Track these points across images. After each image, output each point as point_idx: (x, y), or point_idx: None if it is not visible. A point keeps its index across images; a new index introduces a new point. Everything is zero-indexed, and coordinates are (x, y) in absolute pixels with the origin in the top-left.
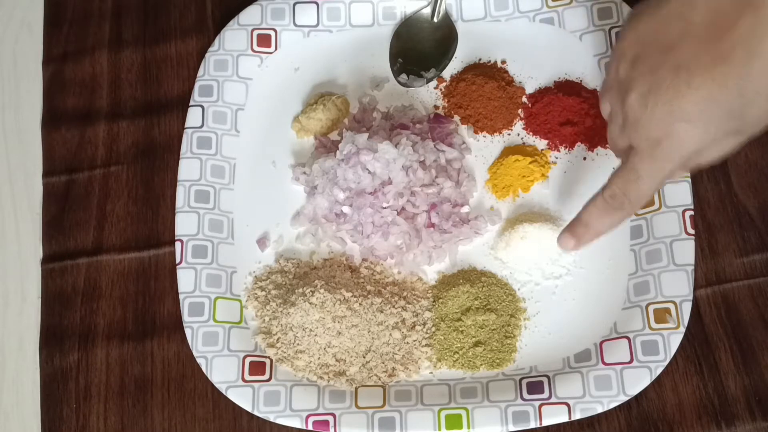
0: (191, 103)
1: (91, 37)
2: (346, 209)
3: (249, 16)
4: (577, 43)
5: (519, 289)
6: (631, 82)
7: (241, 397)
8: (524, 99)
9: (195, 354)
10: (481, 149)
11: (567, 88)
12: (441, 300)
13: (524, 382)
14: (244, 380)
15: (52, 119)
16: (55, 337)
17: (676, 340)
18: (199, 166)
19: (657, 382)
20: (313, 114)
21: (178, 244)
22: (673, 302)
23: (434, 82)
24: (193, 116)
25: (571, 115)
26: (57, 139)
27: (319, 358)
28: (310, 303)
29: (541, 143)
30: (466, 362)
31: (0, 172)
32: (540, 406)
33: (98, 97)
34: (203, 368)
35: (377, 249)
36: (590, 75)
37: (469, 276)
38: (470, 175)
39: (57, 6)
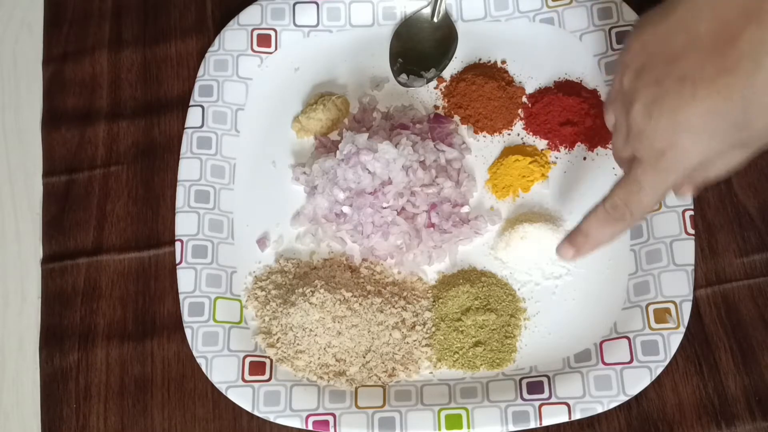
0: (191, 103)
1: (91, 37)
2: (346, 209)
3: (249, 16)
4: (577, 43)
5: (519, 289)
6: (636, 92)
7: (241, 397)
8: (524, 99)
9: (195, 354)
10: (481, 149)
11: (567, 88)
12: (441, 300)
13: (524, 382)
14: (244, 380)
15: (52, 119)
16: (55, 337)
17: (676, 340)
18: (199, 166)
19: (657, 382)
20: (313, 114)
21: (178, 244)
22: (673, 302)
23: (434, 82)
24: (193, 116)
25: (571, 115)
26: (57, 139)
27: (319, 358)
28: (310, 303)
29: (541, 143)
30: (466, 362)
31: (0, 172)
32: (540, 406)
33: (98, 97)
34: (203, 368)
35: (377, 249)
36: (590, 75)
37: (469, 276)
38: (470, 175)
39: (57, 6)
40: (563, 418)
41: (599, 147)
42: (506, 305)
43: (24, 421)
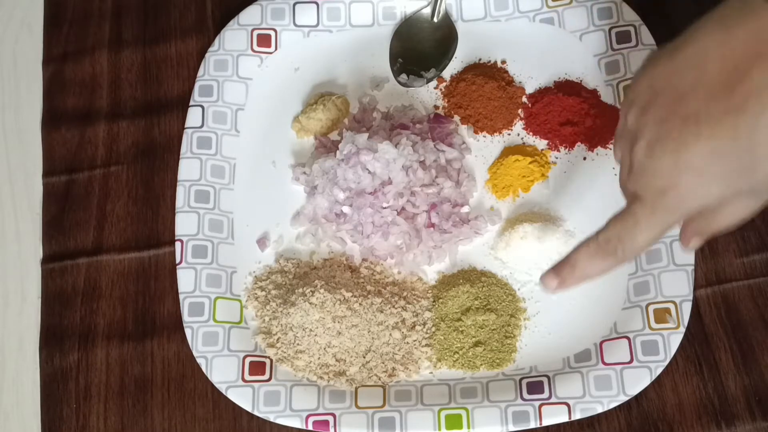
0: (191, 103)
1: (91, 37)
2: (346, 209)
3: (249, 16)
4: (577, 43)
5: (519, 289)
6: (640, 130)
7: (241, 397)
8: (524, 99)
9: (195, 354)
10: (481, 149)
11: (567, 88)
12: (441, 300)
13: (524, 382)
14: (244, 380)
15: (52, 119)
16: (55, 337)
17: (676, 340)
18: (199, 166)
19: (657, 382)
20: (313, 114)
21: (178, 244)
22: (673, 302)
23: (434, 82)
24: (193, 116)
25: (571, 115)
26: (57, 139)
27: (319, 358)
28: (310, 303)
29: (541, 143)
30: (466, 362)
31: (0, 172)
32: (540, 406)
33: (98, 97)
34: (203, 368)
35: (377, 249)
36: (590, 75)
37: (469, 276)
38: (470, 175)
39: (57, 6)
40: (563, 418)
41: (599, 147)
42: (506, 305)
43: (24, 421)
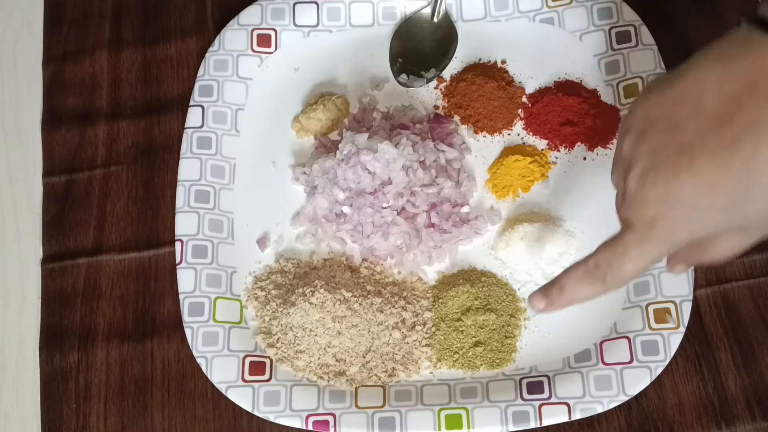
0: (191, 103)
1: (91, 37)
2: (346, 209)
3: (249, 16)
4: (577, 43)
5: (519, 289)
6: (634, 158)
7: (241, 397)
8: (524, 99)
9: (195, 354)
10: (481, 149)
11: (567, 88)
12: (441, 300)
13: (524, 382)
14: (244, 380)
15: (52, 119)
16: (55, 337)
17: (676, 340)
18: (199, 166)
19: (657, 382)
20: (313, 114)
21: (178, 244)
22: (673, 302)
23: (434, 82)
24: (193, 116)
25: (571, 115)
26: (57, 139)
27: (319, 358)
28: (310, 303)
29: (541, 143)
30: (466, 362)
31: (0, 172)
32: (540, 406)
33: (98, 97)
34: (203, 368)
35: (377, 249)
36: (590, 75)
37: (469, 276)
38: (470, 175)
39: (57, 6)
40: (563, 418)
41: (599, 147)
42: (506, 305)
43: (24, 421)
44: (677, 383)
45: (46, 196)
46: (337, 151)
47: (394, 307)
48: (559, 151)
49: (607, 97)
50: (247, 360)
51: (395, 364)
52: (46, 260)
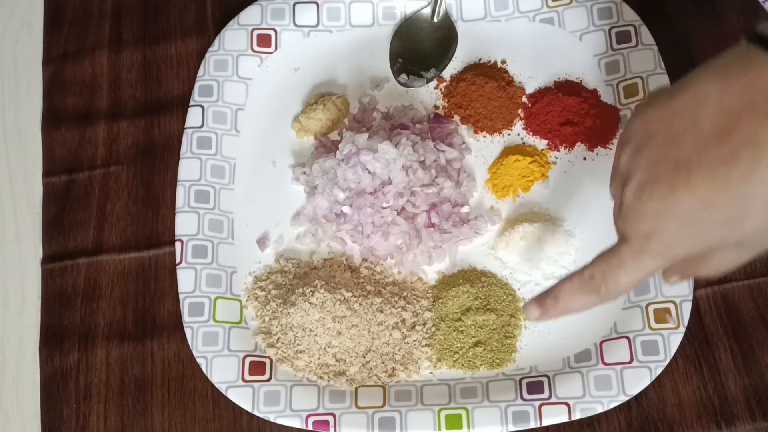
0: (191, 103)
1: (91, 37)
2: (346, 209)
3: (249, 16)
4: (577, 43)
5: (519, 289)
6: (631, 172)
7: (241, 397)
8: (524, 99)
9: (195, 354)
10: (481, 149)
11: (567, 88)
12: (441, 300)
13: (524, 382)
14: (244, 380)
15: (52, 119)
16: (55, 337)
17: (676, 340)
18: (199, 166)
19: (657, 382)
20: (313, 114)
21: (178, 244)
22: (673, 302)
23: (434, 82)
24: (193, 116)
25: (571, 115)
26: (57, 139)
27: (319, 358)
28: (310, 303)
29: (541, 143)
30: (466, 362)
31: (0, 172)
32: (540, 406)
33: (98, 97)
34: (203, 368)
35: (377, 249)
36: (590, 75)
37: (469, 276)
38: (470, 175)
39: (57, 6)
40: (563, 418)
41: (599, 147)
42: (506, 305)
43: (24, 421)
44: (677, 383)
45: (46, 196)
46: (337, 151)
47: (394, 307)
48: (559, 151)
49: (607, 97)
50: (247, 360)
51: (395, 364)
52: (46, 260)
